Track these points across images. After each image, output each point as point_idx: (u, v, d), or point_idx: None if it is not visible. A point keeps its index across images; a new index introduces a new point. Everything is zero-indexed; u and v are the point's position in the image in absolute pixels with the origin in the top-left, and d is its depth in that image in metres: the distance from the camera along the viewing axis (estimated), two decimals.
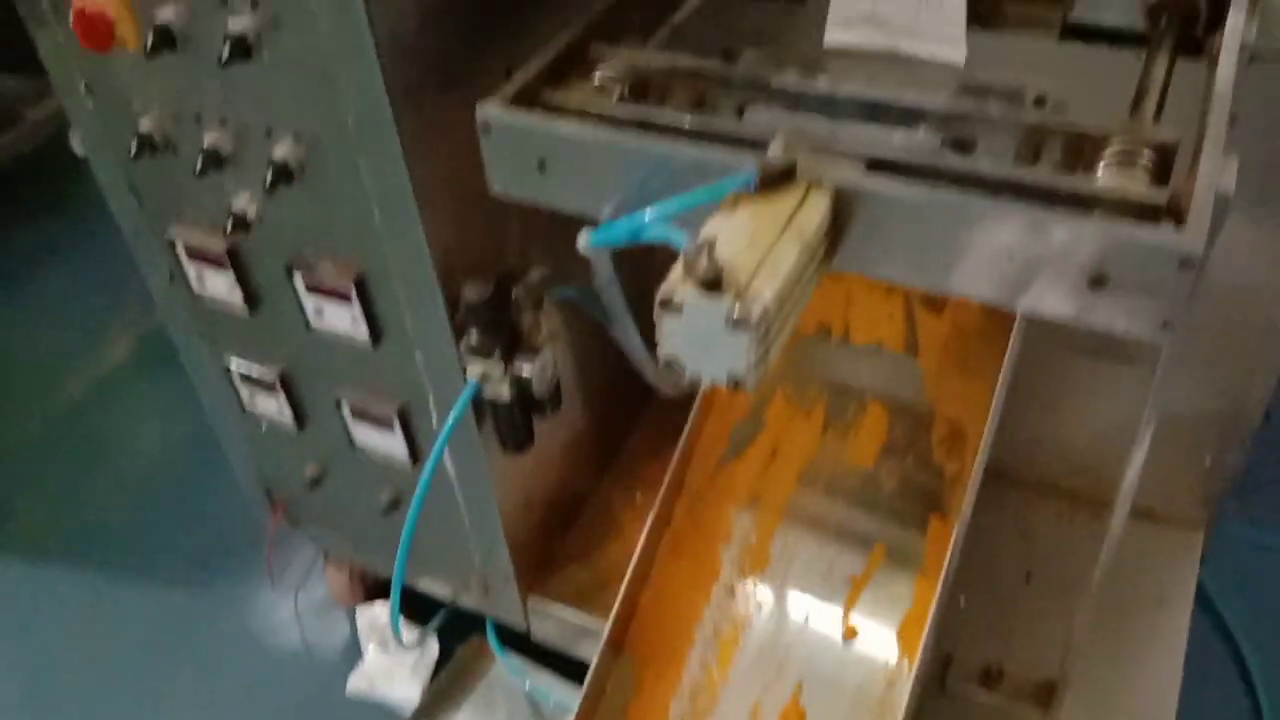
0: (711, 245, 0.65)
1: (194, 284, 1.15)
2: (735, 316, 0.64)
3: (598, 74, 0.90)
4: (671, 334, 0.68)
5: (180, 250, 1.12)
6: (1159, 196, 0.69)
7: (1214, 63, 0.84)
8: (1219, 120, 0.74)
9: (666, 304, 0.66)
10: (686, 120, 0.82)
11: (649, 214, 0.72)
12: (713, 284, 0.65)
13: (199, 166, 0.98)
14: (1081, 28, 0.98)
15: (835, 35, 0.94)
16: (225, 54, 0.87)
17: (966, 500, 1.07)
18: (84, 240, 2.29)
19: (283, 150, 0.95)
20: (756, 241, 0.69)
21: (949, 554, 1.07)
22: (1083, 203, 0.71)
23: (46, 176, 2.46)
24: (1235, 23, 0.86)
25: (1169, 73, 0.88)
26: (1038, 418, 1.35)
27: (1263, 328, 1.20)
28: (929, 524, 1.15)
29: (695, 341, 0.67)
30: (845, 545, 1.16)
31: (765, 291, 0.66)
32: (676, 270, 0.67)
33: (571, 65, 0.91)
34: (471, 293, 0.98)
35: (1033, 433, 1.37)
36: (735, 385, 0.68)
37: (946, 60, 0.90)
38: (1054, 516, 1.39)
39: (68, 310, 2.23)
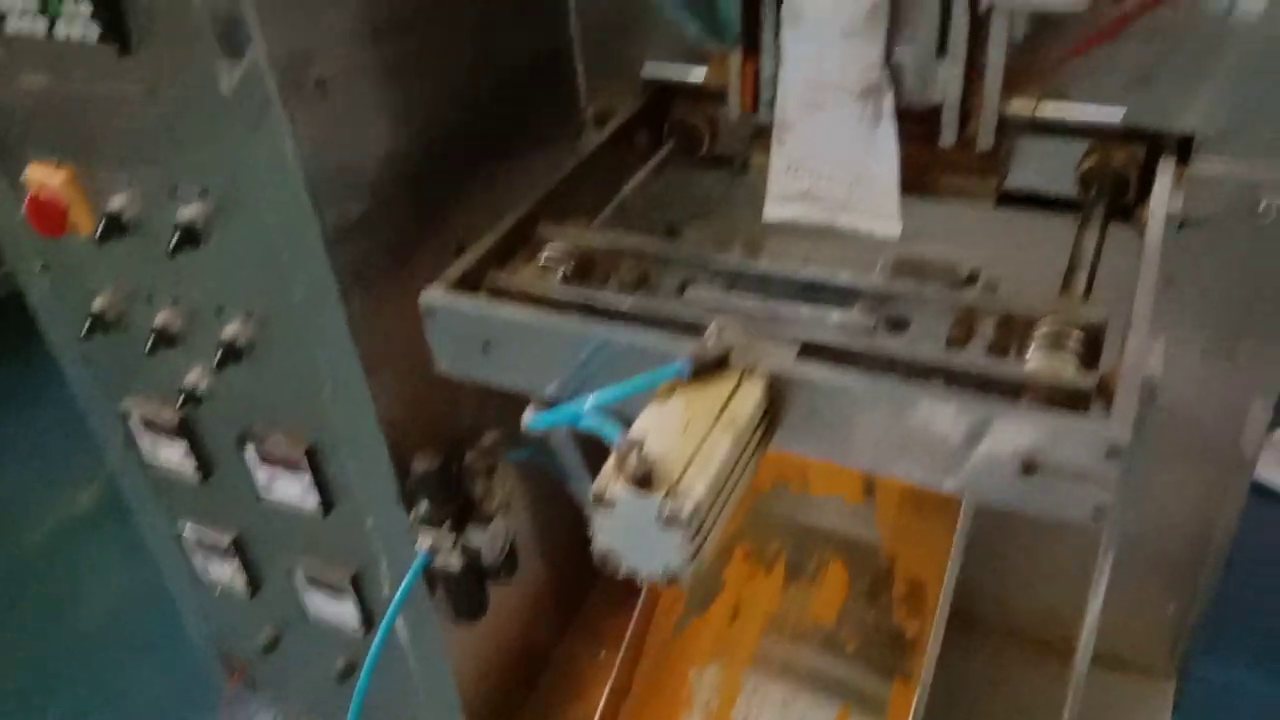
0: (641, 443, 0.65)
1: (146, 453, 1.15)
2: (666, 515, 0.64)
3: (544, 254, 0.92)
4: (605, 529, 0.68)
5: (133, 421, 1.12)
6: (1088, 381, 0.70)
7: (1144, 231, 0.87)
8: (1145, 301, 0.75)
9: (599, 500, 0.66)
10: (626, 303, 0.84)
11: (587, 402, 0.73)
12: (644, 481, 0.65)
13: (149, 345, 0.99)
14: (1016, 194, 1.01)
15: (774, 210, 0.96)
16: (174, 243, 0.89)
17: (927, 666, 1.05)
18: (49, 387, 2.28)
19: (232, 329, 0.96)
20: (690, 432, 0.69)
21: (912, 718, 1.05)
22: (1013, 389, 0.72)
23: (11, 322, 2.46)
24: (1160, 194, 0.89)
25: (1101, 240, 0.90)
26: (1001, 564, 1.34)
27: (1221, 466, 1.20)
28: (893, 686, 1.13)
29: (629, 537, 0.67)
30: (809, 710, 1.14)
31: (697, 487, 0.66)
32: (609, 466, 0.67)
33: (519, 244, 0.93)
34: (420, 464, 0.97)
35: (998, 579, 1.36)
36: (670, 581, 0.68)
37: (882, 235, 0.93)
38: (1024, 665, 1.37)
39: (31, 457, 2.22)
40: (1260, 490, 1.72)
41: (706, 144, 1.14)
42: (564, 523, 1.26)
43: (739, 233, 1.03)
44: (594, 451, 0.84)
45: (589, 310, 0.84)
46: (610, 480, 0.66)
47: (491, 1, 1.03)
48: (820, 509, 1.23)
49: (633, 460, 0.65)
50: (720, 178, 1.14)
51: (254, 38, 0.77)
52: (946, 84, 0.87)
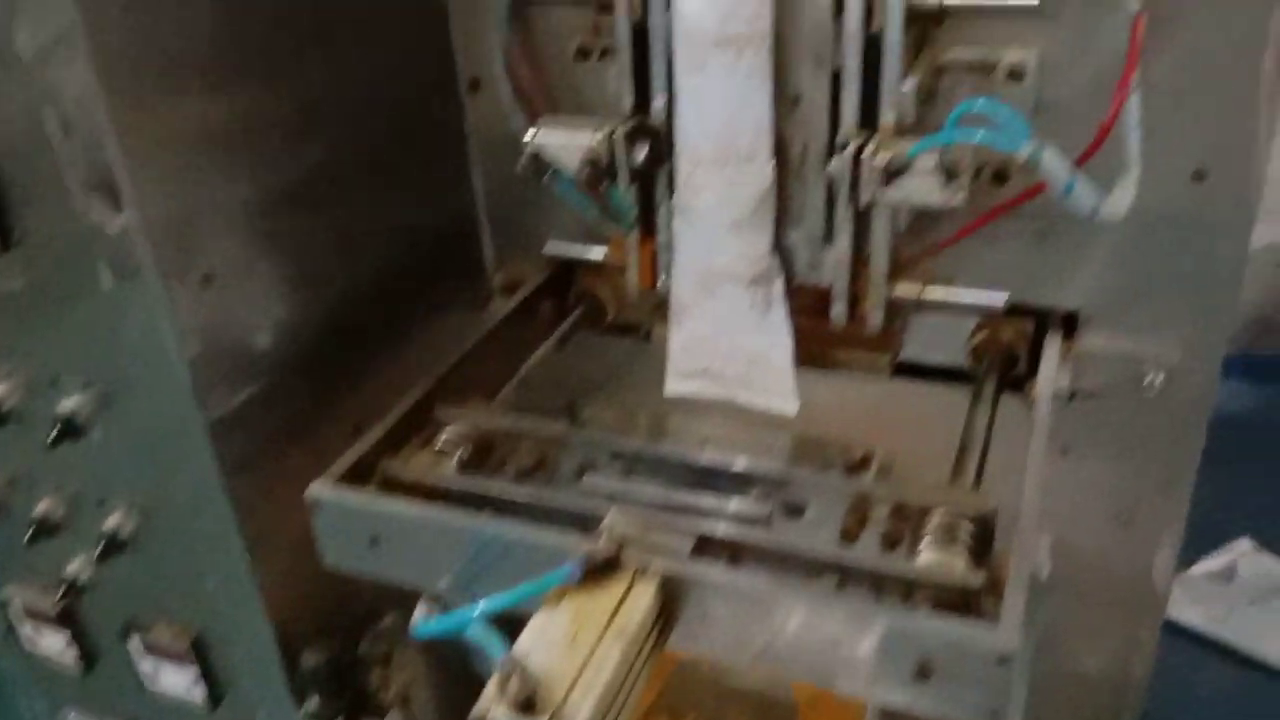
0: (523, 664, 0.63)
1: (27, 641, 1.09)
2: None
3: (441, 436, 0.90)
4: None
5: (13, 608, 1.07)
6: (977, 579, 0.70)
7: (1032, 405, 0.89)
8: (1033, 494, 0.75)
9: None
10: (521, 493, 0.83)
11: (476, 609, 0.71)
12: (526, 705, 0.63)
13: (29, 535, 0.95)
14: (911, 366, 1.03)
15: (674, 385, 0.97)
16: (54, 435, 0.86)
17: None
18: None
19: (114, 520, 0.93)
20: (578, 644, 0.67)
21: None
22: (906, 586, 0.71)
23: None
24: (1047, 372, 0.91)
25: (992, 418, 0.91)
26: None
27: (1132, 609, 1.18)
28: None
29: None
30: None
31: (583, 709, 0.63)
32: (491, 688, 0.64)
33: (416, 426, 0.91)
34: (310, 658, 0.94)
35: None
36: None
37: (780, 411, 0.93)
38: None
39: None
40: (1173, 629, 1.73)
41: (612, 312, 1.14)
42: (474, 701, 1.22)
43: (642, 405, 1.03)
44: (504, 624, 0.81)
45: (483, 501, 0.83)
46: (492, 703, 0.64)
47: (395, 176, 1.04)
48: (736, 675, 1.21)
49: (514, 683, 0.62)
50: (626, 345, 1.14)
51: (139, 242, 0.76)
52: (835, 269, 0.89)
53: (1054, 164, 0.71)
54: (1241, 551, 1.89)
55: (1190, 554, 1.82)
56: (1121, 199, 0.75)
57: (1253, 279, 2.41)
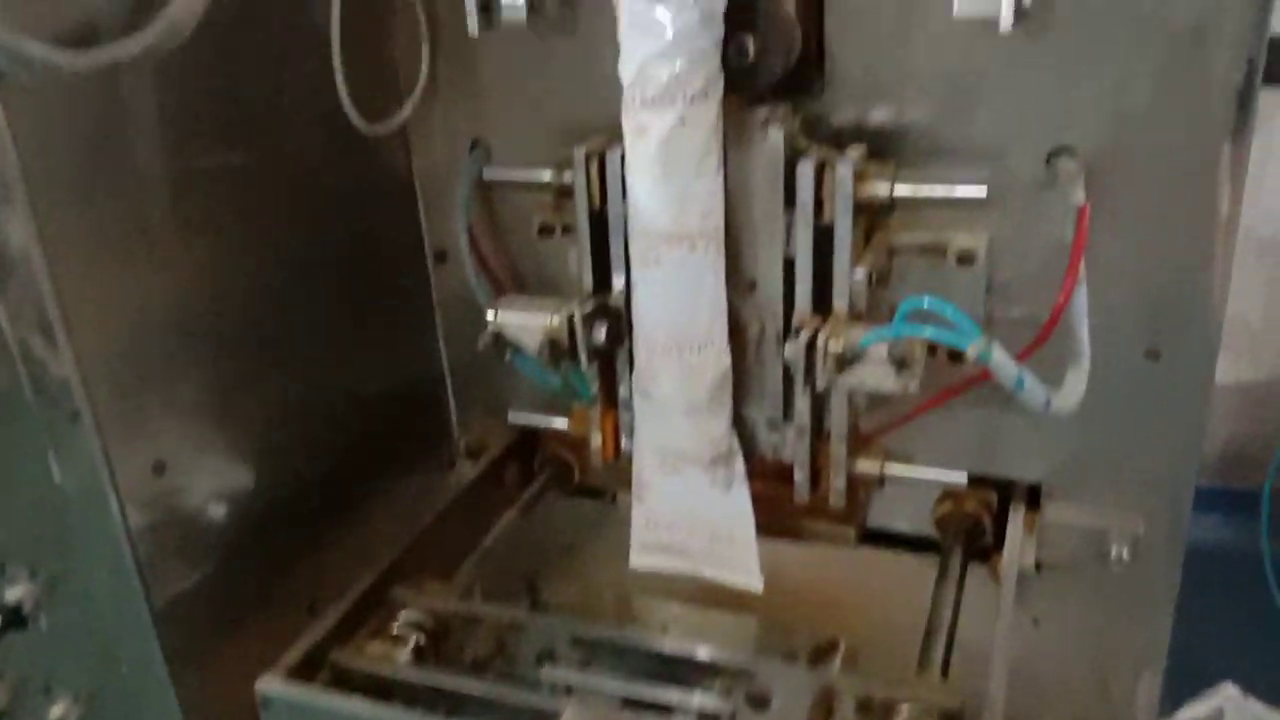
0: None
1: None
2: None
3: (396, 622, 0.88)
4: None
5: None
6: None
7: (998, 578, 0.88)
8: (998, 690, 0.74)
9: None
10: (477, 687, 0.80)
11: None
12: None
13: None
14: (877, 533, 1.02)
15: (638, 559, 0.95)
16: (0, 625, 0.84)
17: None
18: None
19: (60, 710, 0.89)
20: None
21: None
22: None
23: None
24: (1012, 548, 0.90)
25: (959, 595, 0.90)
26: None
27: None
28: None
29: None
30: None
31: None
32: None
33: (371, 609, 0.89)
34: None
35: None
36: None
37: (745, 587, 0.92)
38: None
39: None
40: None
41: (578, 475, 1.13)
42: None
43: (606, 577, 1.01)
44: None
45: (437, 695, 0.80)
46: None
47: (362, 344, 1.04)
48: None
49: None
50: (593, 508, 1.13)
51: (89, 431, 0.75)
52: (795, 445, 0.89)
53: (1003, 362, 0.71)
54: (1227, 696, 1.85)
55: (1173, 699, 1.78)
56: (1072, 391, 0.75)
57: (1223, 414, 2.42)
